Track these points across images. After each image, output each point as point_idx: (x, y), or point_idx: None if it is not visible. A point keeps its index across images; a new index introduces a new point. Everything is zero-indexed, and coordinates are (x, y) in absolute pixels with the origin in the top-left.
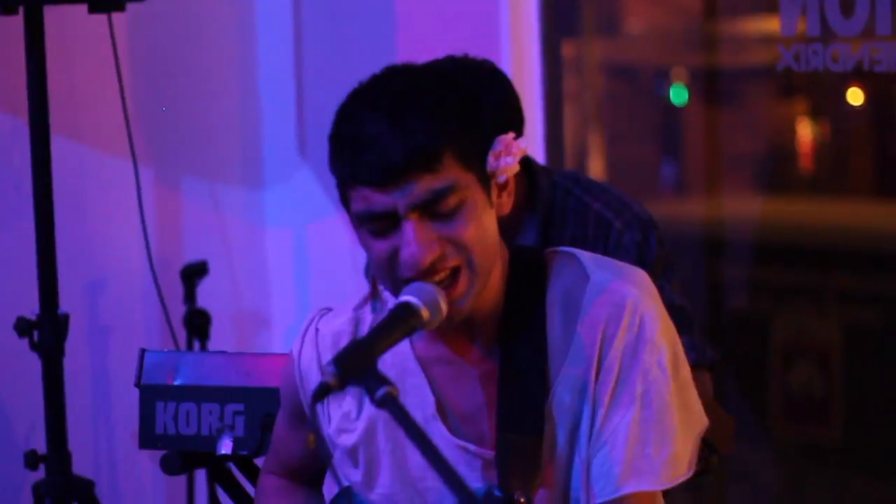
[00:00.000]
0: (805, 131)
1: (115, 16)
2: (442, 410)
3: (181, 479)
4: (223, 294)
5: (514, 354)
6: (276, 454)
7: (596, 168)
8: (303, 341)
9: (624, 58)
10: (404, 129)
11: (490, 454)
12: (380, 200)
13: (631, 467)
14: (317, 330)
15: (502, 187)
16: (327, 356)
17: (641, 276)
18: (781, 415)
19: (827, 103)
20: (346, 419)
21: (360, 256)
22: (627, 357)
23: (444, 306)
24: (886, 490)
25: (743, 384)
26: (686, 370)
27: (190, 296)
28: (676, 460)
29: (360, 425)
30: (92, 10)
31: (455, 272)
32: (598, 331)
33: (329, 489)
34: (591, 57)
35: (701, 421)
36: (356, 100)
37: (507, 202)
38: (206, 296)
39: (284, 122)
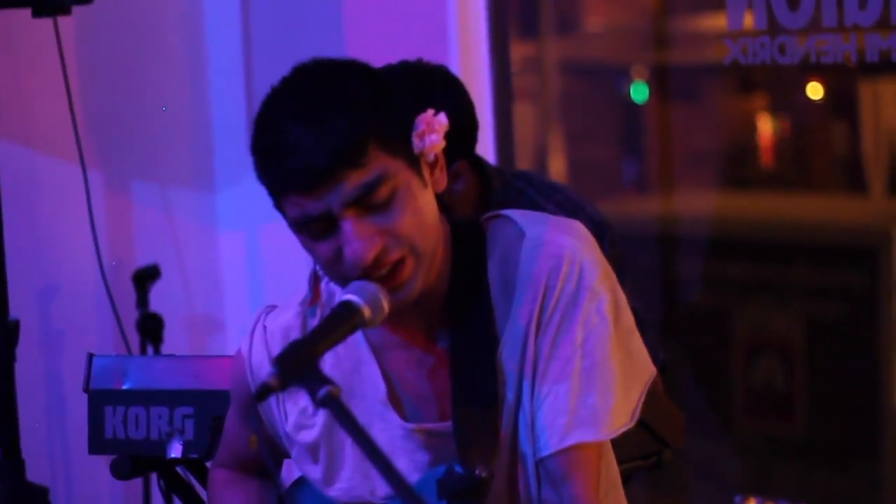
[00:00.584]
0: (764, 126)
1: (62, 20)
2: (395, 396)
3: (137, 484)
4: (176, 297)
5: (464, 330)
6: (227, 448)
7: (556, 167)
8: (252, 339)
9: (582, 56)
10: (323, 130)
11: (449, 432)
12: (312, 205)
13: (575, 417)
14: (265, 327)
15: (433, 164)
16: (277, 351)
17: (577, 226)
18: (744, 409)
19: (784, 98)
20: (304, 415)
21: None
22: (567, 306)
23: (385, 304)
24: (849, 482)
25: (705, 379)
26: (628, 318)
27: (142, 300)
28: (620, 409)
29: (319, 421)
30: (36, 14)
31: (400, 262)
32: (539, 285)
33: (288, 473)
34: (550, 56)
35: (646, 369)
36: (271, 107)
37: (441, 178)
38: (159, 299)
39: (235, 124)
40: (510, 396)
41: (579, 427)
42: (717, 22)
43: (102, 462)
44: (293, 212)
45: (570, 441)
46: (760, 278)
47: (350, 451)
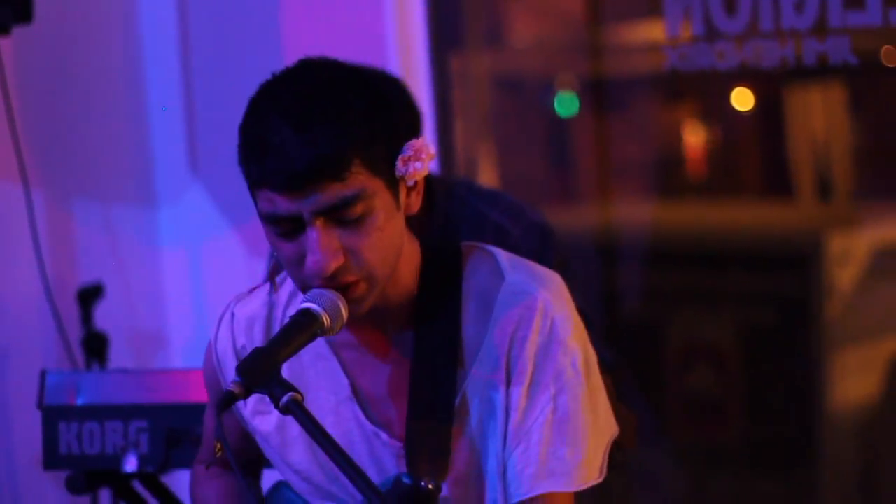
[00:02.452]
0: (693, 135)
1: (1, 40)
2: (356, 393)
3: (85, 501)
4: (119, 314)
5: (428, 343)
6: (207, 446)
7: (487, 180)
8: (219, 326)
9: (510, 69)
10: (310, 137)
11: (398, 441)
12: (285, 205)
13: (545, 468)
14: (233, 314)
15: (411, 189)
16: (241, 340)
17: (555, 279)
18: (680, 417)
19: (715, 106)
20: (262, 402)
21: (255, 272)
22: (540, 359)
23: (344, 312)
24: (785, 488)
25: (641, 388)
26: (597, 376)
27: (87, 318)
28: (588, 463)
29: (275, 415)
30: None
31: (353, 283)
32: (508, 332)
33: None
34: (478, 69)
35: (611, 427)
36: (265, 99)
37: (415, 201)
38: (103, 317)
39: (175, 140)
40: (469, 438)
41: (549, 477)
42: (645, 31)
43: (50, 479)
44: (265, 206)
45: (539, 490)
46: (693, 286)
47: (299, 448)
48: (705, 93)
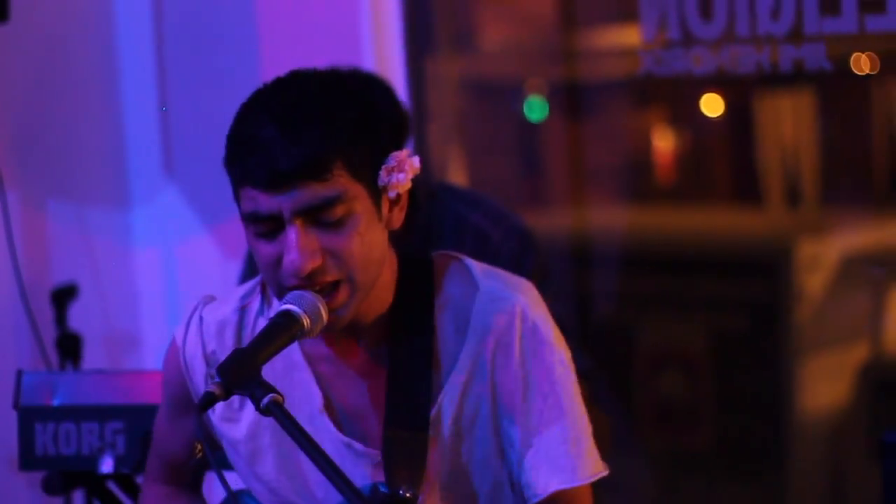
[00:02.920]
0: (665, 140)
1: None
2: (329, 406)
3: (59, 501)
4: (93, 315)
5: (402, 355)
6: (157, 454)
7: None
8: (187, 329)
9: (481, 74)
10: (294, 136)
11: (376, 452)
12: (266, 203)
13: (554, 465)
14: (201, 318)
15: (394, 202)
16: (212, 345)
17: (528, 285)
18: (651, 422)
19: (686, 111)
20: (230, 408)
21: (230, 273)
22: (529, 362)
23: (324, 314)
24: (754, 493)
25: (612, 393)
26: (574, 375)
27: (61, 318)
28: (591, 454)
29: (244, 423)
30: None
31: (334, 285)
32: (489, 339)
33: (214, 492)
34: (449, 73)
35: (588, 423)
36: (254, 102)
37: (397, 217)
38: (76, 317)
39: (149, 140)
40: (446, 445)
41: (560, 473)
42: (617, 36)
43: (23, 480)
44: (247, 206)
45: (553, 488)
46: (663, 292)
47: (270, 456)
48: (677, 98)
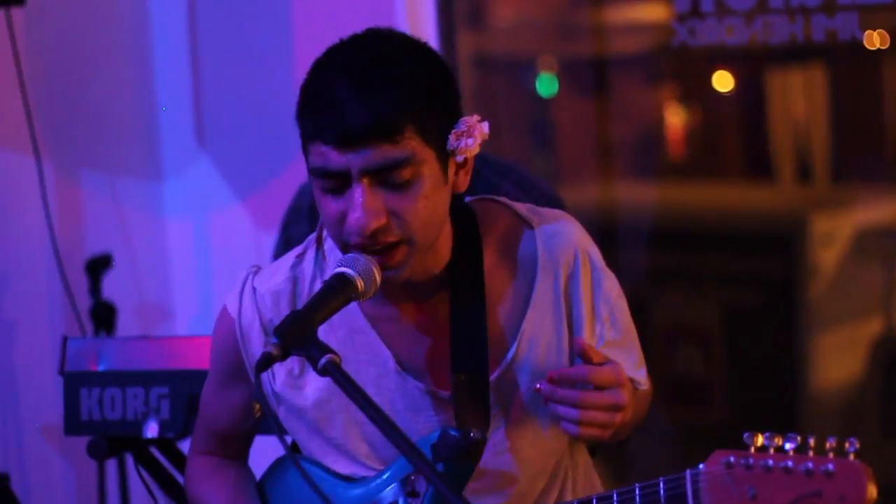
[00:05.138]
0: (677, 117)
1: (14, 12)
2: (399, 363)
3: (91, 469)
4: (125, 285)
5: (461, 305)
6: (203, 426)
7: None
8: (241, 300)
9: (493, 50)
10: (369, 97)
11: (447, 398)
12: (335, 159)
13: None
14: (254, 289)
15: (461, 166)
16: (268, 314)
17: (568, 216)
18: (664, 397)
19: (698, 87)
20: (291, 376)
21: (262, 244)
22: (595, 290)
23: (377, 276)
24: None
25: None
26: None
27: (95, 288)
28: (641, 367)
29: (310, 390)
30: None
31: (394, 245)
32: (560, 273)
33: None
34: (461, 50)
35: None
36: (331, 58)
37: (464, 180)
38: (108, 287)
39: (181, 112)
40: (529, 367)
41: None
42: (630, 12)
43: (57, 448)
44: (316, 160)
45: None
46: (677, 267)
47: (340, 418)
48: (691, 74)
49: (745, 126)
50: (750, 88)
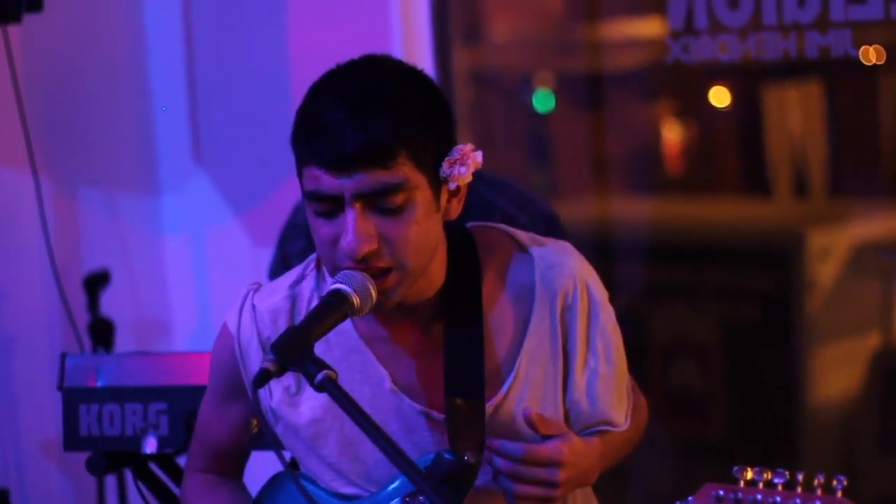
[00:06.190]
0: (673, 132)
1: (11, 28)
2: (395, 383)
3: (91, 486)
4: (123, 301)
5: (457, 330)
6: (200, 443)
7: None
8: (240, 317)
9: (489, 66)
10: (363, 122)
11: (440, 419)
12: (328, 183)
13: (602, 418)
14: (253, 306)
15: (453, 194)
16: (267, 332)
17: (570, 246)
18: (662, 412)
19: (694, 103)
20: (287, 393)
21: (258, 260)
22: (591, 322)
23: (374, 293)
24: None
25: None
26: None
27: (93, 304)
28: (626, 405)
29: (305, 408)
30: None
31: (385, 270)
32: (557, 304)
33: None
34: (458, 65)
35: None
36: (328, 82)
37: (456, 208)
38: (107, 303)
39: (178, 128)
40: (518, 397)
41: (607, 417)
42: (627, 28)
43: (55, 463)
44: (309, 184)
45: (599, 417)
46: (674, 282)
47: (333, 439)
48: (687, 90)
49: (741, 141)
50: (746, 104)
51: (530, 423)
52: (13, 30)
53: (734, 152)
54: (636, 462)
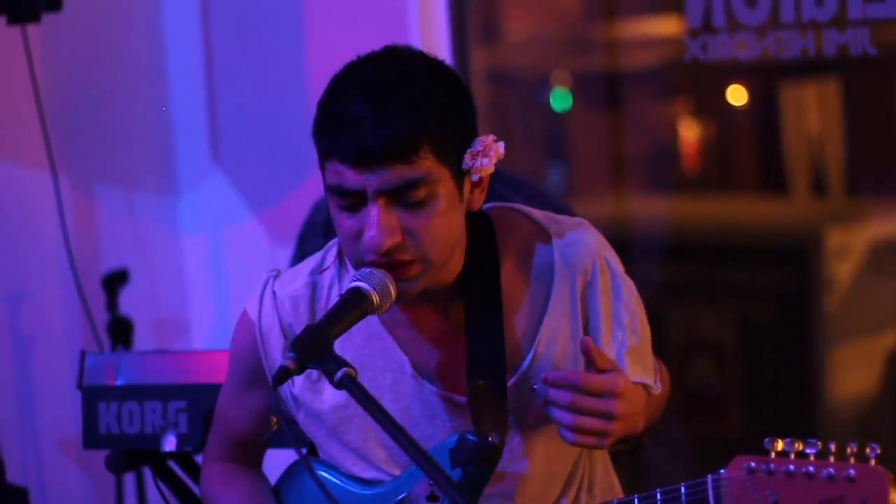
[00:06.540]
0: (691, 131)
1: (30, 27)
2: (415, 367)
3: (109, 483)
4: (142, 300)
5: (477, 312)
6: (219, 432)
7: None
8: (261, 304)
9: (506, 65)
10: (386, 117)
11: (463, 403)
12: (352, 178)
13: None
14: (274, 293)
15: (476, 185)
16: (288, 319)
17: (587, 223)
18: (679, 410)
19: (712, 101)
20: (309, 380)
21: (277, 258)
22: (613, 297)
23: (393, 291)
24: None
25: None
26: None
27: (112, 303)
28: (655, 372)
29: (328, 394)
30: (11, 22)
31: (409, 262)
32: (577, 280)
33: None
34: (474, 64)
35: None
36: (348, 76)
37: (479, 198)
38: (125, 302)
39: (196, 127)
40: (539, 376)
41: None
42: (643, 26)
43: (74, 462)
44: (332, 178)
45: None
46: (691, 281)
47: (357, 422)
48: (704, 89)
49: (759, 140)
50: (764, 102)
51: (587, 351)
52: (32, 29)
53: (752, 151)
54: (653, 459)
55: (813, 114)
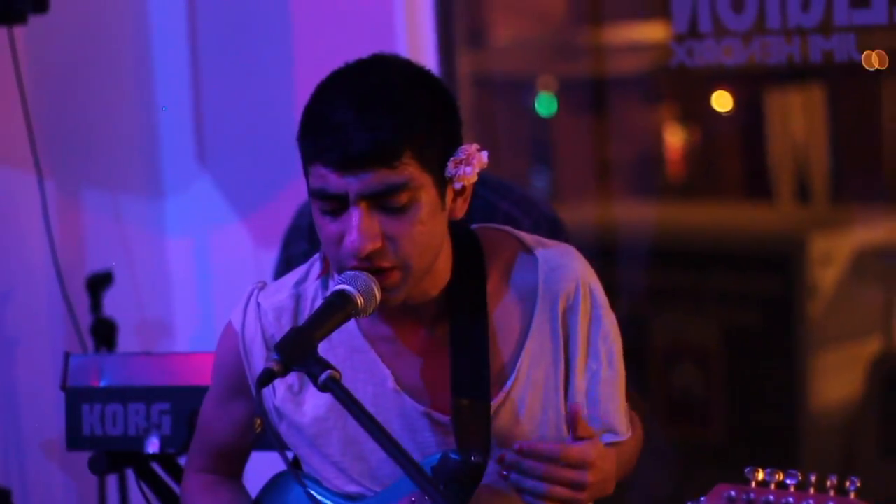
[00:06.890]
0: (676, 136)
1: (17, 29)
2: (398, 383)
3: (92, 486)
4: (126, 302)
5: (463, 330)
6: (201, 443)
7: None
8: (245, 315)
9: (492, 69)
10: (370, 122)
11: (446, 421)
12: (335, 182)
13: (605, 423)
14: (258, 304)
15: (458, 193)
16: (271, 330)
17: (574, 250)
18: (663, 416)
19: (697, 107)
20: (290, 391)
21: (262, 262)
22: (592, 326)
23: (377, 294)
24: None
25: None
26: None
27: (96, 305)
28: (626, 415)
29: (309, 406)
30: None
31: (389, 269)
32: (559, 305)
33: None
34: (460, 69)
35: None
36: (335, 81)
37: (461, 207)
38: (110, 304)
39: (182, 130)
40: (526, 396)
41: (609, 431)
42: (629, 32)
43: (57, 463)
44: (315, 182)
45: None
46: (676, 287)
47: (336, 436)
48: (689, 94)
49: (743, 146)
50: (749, 108)
51: (574, 420)
52: (18, 31)
53: (737, 157)
54: (636, 466)
55: (798, 120)
